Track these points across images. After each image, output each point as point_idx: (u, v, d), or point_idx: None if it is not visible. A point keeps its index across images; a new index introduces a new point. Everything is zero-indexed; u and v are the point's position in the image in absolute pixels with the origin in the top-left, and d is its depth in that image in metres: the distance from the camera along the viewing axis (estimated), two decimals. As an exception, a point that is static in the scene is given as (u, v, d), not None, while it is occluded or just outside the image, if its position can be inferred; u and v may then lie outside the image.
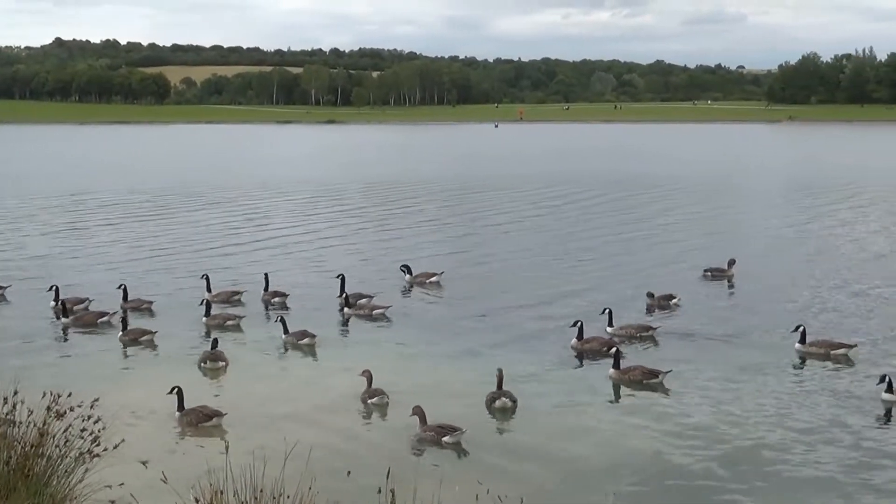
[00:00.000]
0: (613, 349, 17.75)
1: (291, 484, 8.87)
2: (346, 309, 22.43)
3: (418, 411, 14.44)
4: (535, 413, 15.50)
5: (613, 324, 20.48)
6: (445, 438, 14.10)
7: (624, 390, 16.90)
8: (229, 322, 21.39)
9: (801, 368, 18.14)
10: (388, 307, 22.56)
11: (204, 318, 21.50)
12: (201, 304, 22.01)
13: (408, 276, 26.19)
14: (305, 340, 19.80)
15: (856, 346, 18.89)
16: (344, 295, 22.76)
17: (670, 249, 32.67)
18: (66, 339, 20.59)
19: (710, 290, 25.61)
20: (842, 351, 18.55)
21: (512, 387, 15.92)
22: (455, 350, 19.48)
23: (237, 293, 24.10)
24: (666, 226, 39.04)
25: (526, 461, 13.47)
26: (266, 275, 24.46)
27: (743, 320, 21.91)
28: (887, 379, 15.71)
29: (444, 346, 19.85)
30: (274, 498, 8.61)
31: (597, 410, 15.92)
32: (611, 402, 16.54)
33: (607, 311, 20.71)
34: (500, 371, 16.01)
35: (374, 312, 22.23)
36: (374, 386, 16.09)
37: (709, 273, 26.96)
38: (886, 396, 15.61)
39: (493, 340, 20.19)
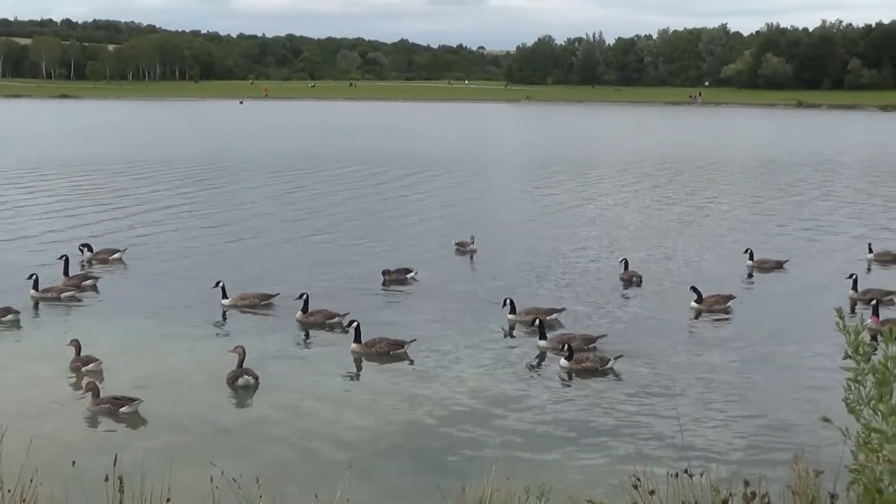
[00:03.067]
0: (354, 324, 17.75)
1: (10, 478, 8.35)
2: (32, 292, 21.05)
3: (91, 386, 14.07)
4: (276, 390, 15.37)
5: (227, 296, 20.60)
6: (123, 409, 13.81)
7: (367, 363, 17.07)
8: None
9: (513, 336, 18.99)
10: (80, 290, 21.74)
11: None
12: None
13: (87, 253, 25.25)
14: (8, 317, 18.92)
15: (564, 309, 20.11)
16: (33, 276, 21.23)
17: (421, 225, 33.20)
18: None
19: (454, 263, 26.31)
20: (553, 316, 19.70)
21: (249, 364, 15.71)
22: (175, 329, 18.93)
23: None
24: (418, 202, 39.58)
25: (265, 439, 13.35)
26: None
27: (479, 291, 22.65)
28: (566, 347, 16.65)
29: (159, 324, 19.23)
30: (-10, 494, 8.09)
31: (339, 385, 15.99)
32: (353, 375, 16.68)
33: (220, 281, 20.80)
34: (242, 348, 15.75)
35: (63, 296, 21.13)
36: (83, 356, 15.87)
37: (458, 246, 27.74)
38: (563, 364, 16.51)
39: (214, 318, 19.91)
